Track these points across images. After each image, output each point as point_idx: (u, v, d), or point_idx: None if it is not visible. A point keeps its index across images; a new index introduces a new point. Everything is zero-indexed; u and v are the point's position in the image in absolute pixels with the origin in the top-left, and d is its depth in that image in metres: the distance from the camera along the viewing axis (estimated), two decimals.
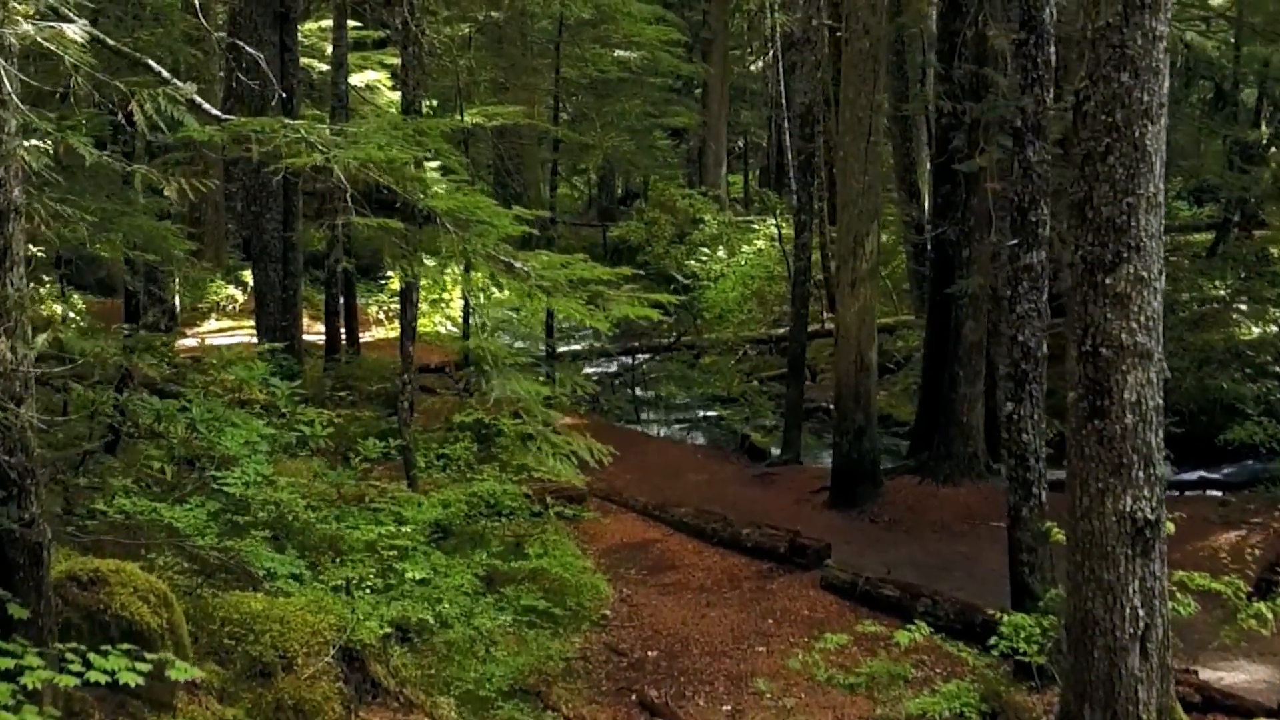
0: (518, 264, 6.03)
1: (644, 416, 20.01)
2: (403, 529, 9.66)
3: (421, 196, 5.95)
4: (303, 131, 5.88)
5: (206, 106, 6.13)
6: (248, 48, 12.75)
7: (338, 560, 9.58)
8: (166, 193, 5.53)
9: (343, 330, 19.81)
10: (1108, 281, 7.33)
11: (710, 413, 20.05)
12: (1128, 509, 7.39)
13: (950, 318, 13.79)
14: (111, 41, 6.21)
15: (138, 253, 9.51)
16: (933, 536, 12.82)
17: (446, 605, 9.17)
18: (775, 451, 17.22)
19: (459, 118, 14.87)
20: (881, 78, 13.23)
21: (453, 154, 6.28)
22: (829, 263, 22.49)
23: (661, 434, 19.06)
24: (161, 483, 9.75)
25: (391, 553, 9.51)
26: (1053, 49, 9.22)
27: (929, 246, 14.85)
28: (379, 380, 16.18)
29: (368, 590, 9.20)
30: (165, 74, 6.14)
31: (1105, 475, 7.40)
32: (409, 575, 9.45)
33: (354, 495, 11.68)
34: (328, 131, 5.98)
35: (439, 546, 10.97)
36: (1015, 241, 9.34)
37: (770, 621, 10.77)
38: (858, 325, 13.33)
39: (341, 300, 19.84)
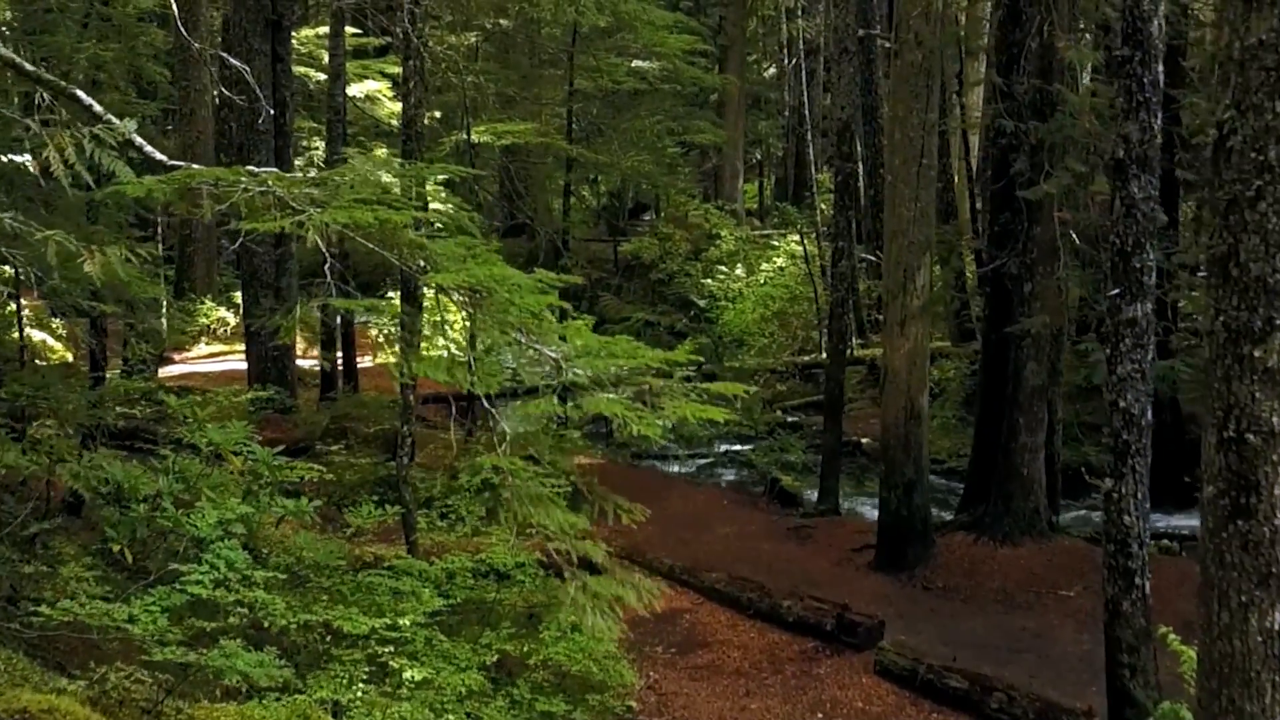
0: (548, 350, 4.73)
1: (662, 449, 18.68)
2: (401, 620, 8.36)
3: (422, 265, 4.64)
4: (270, 184, 4.56)
5: (149, 149, 4.82)
6: (232, 60, 11.46)
7: (326, 651, 8.31)
8: (87, 268, 4.24)
9: (340, 356, 18.53)
10: (1257, 354, 5.95)
11: (734, 447, 18.72)
12: (1276, 627, 6.08)
13: (1008, 358, 12.46)
14: (29, 67, 4.90)
15: (94, 303, 8.26)
16: (995, 607, 11.47)
17: (451, 717, 7.87)
18: (808, 495, 15.91)
19: (464, 136, 13.55)
20: (935, 94, 11.91)
21: (463, 208, 4.94)
22: (856, 285, 21.20)
23: (681, 472, 17.73)
24: (122, 566, 8.48)
25: (388, 649, 8.24)
26: (1161, 67, 7.91)
27: (983, 279, 13.52)
28: (377, 421, 14.86)
29: (359, 693, 7.93)
30: (97, 108, 4.83)
31: (1250, 587, 6.05)
32: (407, 675, 8.17)
33: (347, 562, 10.42)
34: (303, 184, 4.67)
35: (441, 624, 9.72)
36: (1116, 292, 8.01)
37: (820, 716, 9.44)
38: (908, 368, 12.00)
39: (339, 319, 18.53)
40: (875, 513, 15.39)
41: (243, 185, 4.51)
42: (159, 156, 4.84)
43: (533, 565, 10.58)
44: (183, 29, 11.29)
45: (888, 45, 12.71)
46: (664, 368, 5.09)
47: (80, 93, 4.86)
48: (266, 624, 7.46)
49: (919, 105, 11.83)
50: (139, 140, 4.78)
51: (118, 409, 12.28)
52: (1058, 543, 12.39)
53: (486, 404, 4.46)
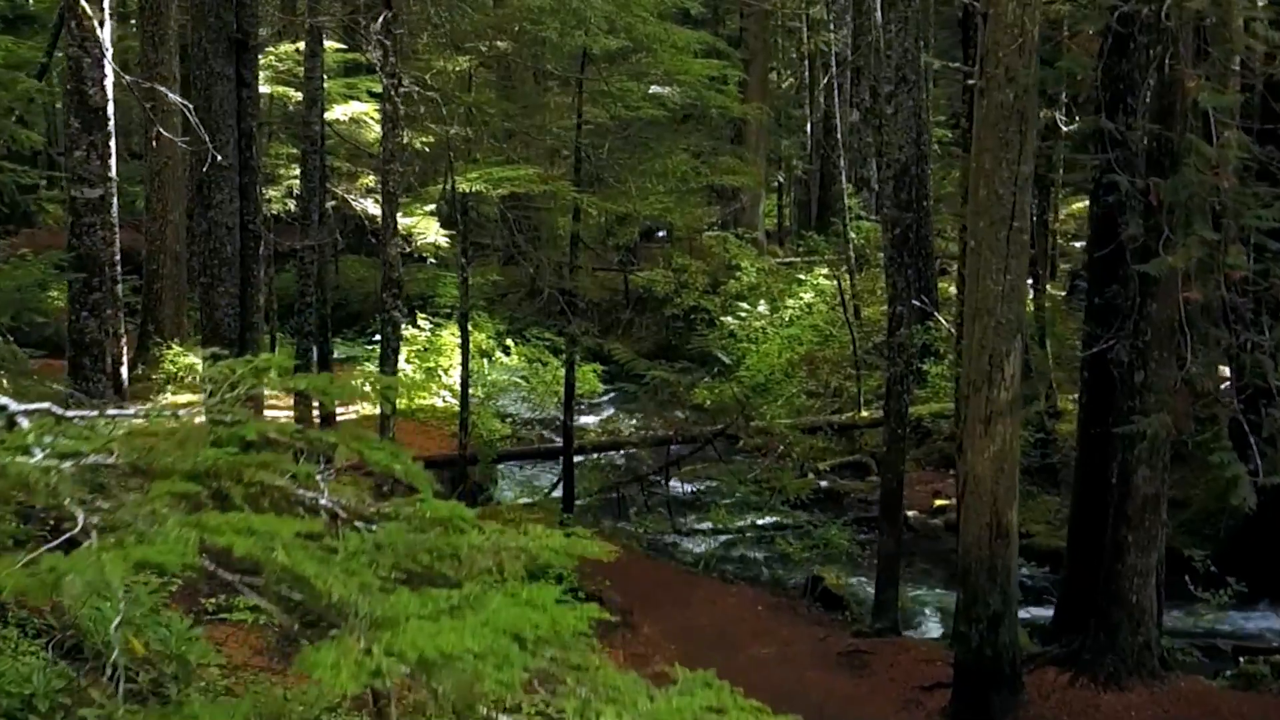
0: None
1: (680, 522, 16.52)
2: None
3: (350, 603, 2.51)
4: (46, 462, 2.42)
5: None
6: (171, 95, 9.35)
7: None
8: None
9: (316, 410, 16.31)
10: None
11: (762, 520, 16.52)
12: None
13: (1109, 459, 10.30)
14: None
15: None
16: None
17: None
18: (854, 585, 13.76)
19: (448, 186, 11.37)
20: (1030, 142, 9.73)
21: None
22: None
23: (704, 552, 15.55)
24: None
25: None
26: None
27: (1081, 366, 11.33)
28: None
29: None
30: None
31: None
32: None
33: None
34: (106, 440, 2.53)
35: None
36: None
37: None
38: (994, 475, 9.80)
39: (314, 352, 16.33)
40: (937, 619, 13.28)
41: None
42: None
43: None
44: (108, 60, 9.13)
45: (971, 81, 10.52)
46: None
47: None
48: None
49: (1009, 155, 9.65)
50: None
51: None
52: (1173, 685, 10.20)
53: None
